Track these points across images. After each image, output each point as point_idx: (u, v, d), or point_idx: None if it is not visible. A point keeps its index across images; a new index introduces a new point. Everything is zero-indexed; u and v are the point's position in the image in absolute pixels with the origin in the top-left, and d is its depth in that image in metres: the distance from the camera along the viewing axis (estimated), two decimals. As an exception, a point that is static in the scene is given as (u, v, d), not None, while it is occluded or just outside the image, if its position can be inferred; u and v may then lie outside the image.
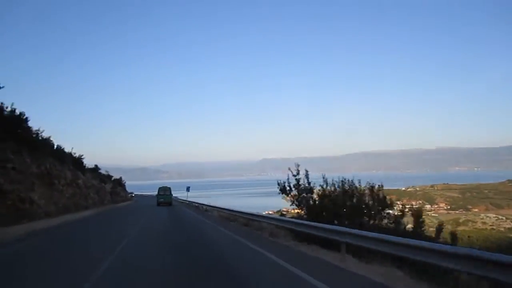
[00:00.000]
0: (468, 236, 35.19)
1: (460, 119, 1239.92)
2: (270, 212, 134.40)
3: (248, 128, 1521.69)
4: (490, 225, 76.90)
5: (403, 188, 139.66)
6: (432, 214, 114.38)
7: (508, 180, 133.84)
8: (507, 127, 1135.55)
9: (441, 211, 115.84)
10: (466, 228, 73.71)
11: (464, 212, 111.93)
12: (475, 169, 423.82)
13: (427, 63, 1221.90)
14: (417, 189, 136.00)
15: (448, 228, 79.99)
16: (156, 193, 47.41)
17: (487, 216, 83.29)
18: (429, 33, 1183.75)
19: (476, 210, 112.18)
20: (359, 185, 14.44)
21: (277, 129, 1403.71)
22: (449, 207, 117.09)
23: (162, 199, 43.65)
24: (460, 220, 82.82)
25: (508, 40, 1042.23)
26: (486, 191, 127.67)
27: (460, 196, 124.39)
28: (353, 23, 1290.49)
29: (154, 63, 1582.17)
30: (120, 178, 69.30)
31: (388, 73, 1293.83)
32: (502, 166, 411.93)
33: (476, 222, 79.98)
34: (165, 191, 44.93)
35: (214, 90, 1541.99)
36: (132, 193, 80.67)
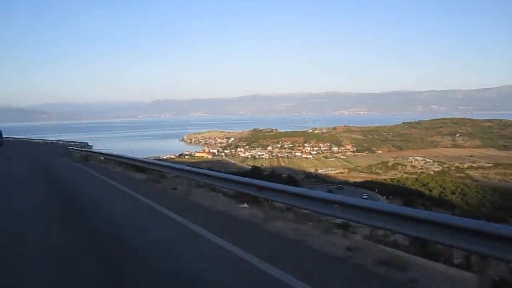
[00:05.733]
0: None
1: (345, 66, 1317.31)
2: (172, 156, 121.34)
3: (140, 68, 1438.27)
4: (420, 169, 77.93)
5: (310, 130, 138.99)
6: (341, 157, 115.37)
7: (404, 123, 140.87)
8: (389, 75, 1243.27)
9: (348, 153, 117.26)
10: (398, 174, 73.74)
11: (369, 154, 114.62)
12: (361, 113, 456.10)
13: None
14: (324, 131, 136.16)
15: (380, 173, 76.88)
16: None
17: (416, 159, 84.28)
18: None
19: (380, 152, 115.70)
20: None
21: (170, 70, 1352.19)
22: (355, 149, 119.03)
23: None
24: (389, 164, 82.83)
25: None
26: (385, 133, 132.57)
27: (364, 138, 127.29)
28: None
29: None
30: None
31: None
32: (382, 111, 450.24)
33: (405, 166, 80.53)
34: None
35: (98, 22, 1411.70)
36: None
